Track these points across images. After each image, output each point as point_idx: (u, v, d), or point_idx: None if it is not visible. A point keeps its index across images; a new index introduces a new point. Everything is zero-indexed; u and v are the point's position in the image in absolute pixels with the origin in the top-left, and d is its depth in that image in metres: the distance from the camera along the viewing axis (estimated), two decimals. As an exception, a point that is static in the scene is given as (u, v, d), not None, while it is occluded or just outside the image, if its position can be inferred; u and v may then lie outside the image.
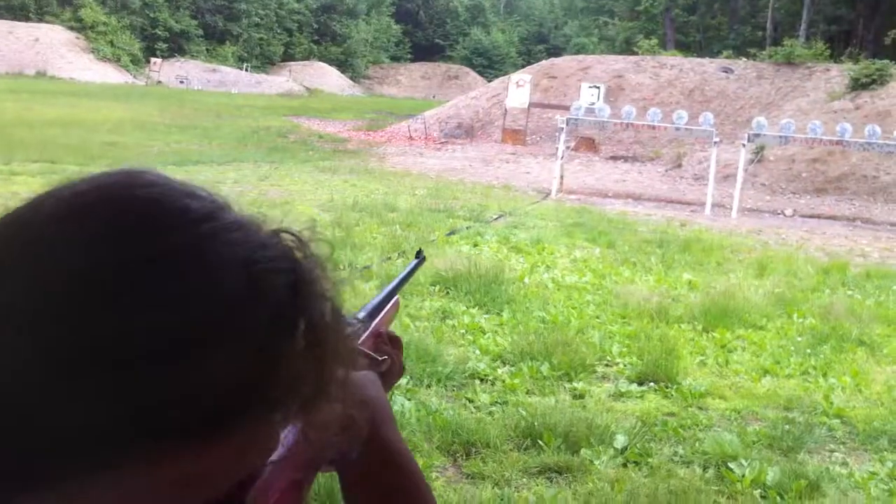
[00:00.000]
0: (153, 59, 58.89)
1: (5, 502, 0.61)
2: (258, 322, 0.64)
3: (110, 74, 55.19)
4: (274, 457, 0.75)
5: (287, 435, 0.79)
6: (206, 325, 0.61)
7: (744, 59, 29.31)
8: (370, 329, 1.04)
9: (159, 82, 56.11)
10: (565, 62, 30.59)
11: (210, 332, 0.61)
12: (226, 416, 0.63)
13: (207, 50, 68.47)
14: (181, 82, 57.12)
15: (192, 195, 0.67)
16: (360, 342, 1.00)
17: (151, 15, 64.64)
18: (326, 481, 3.25)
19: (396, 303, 1.15)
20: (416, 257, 1.30)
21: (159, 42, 64.33)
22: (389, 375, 1.03)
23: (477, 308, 7.02)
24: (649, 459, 4.45)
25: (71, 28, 57.95)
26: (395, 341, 1.07)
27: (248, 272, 0.64)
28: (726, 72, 26.47)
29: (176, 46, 65.77)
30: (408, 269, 1.26)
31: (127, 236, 0.62)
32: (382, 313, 1.09)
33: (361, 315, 1.04)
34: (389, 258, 8.58)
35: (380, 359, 1.01)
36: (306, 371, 0.68)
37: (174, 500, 0.65)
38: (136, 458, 0.61)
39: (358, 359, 0.93)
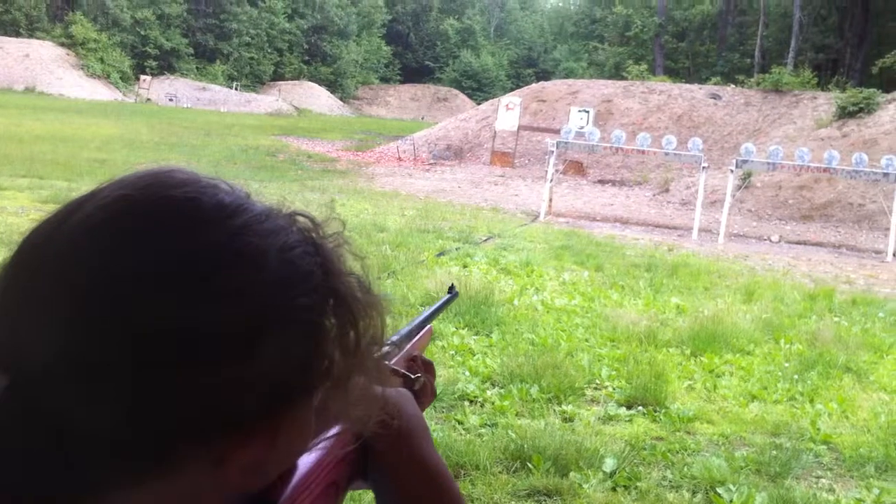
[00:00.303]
0: (143, 77, 58.97)
1: None
2: (302, 304, 0.66)
3: (100, 91, 55.17)
4: (311, 448, 0.78)
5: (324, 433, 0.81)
6: (258, 314, 0.63)
7: (732, 85, 29.52)
8: (403, 352, 1.08)
9: (148, 100, 56.14)
10: (555, 86, 30.74)
11: (263, 320, 0.64)
12: (278, 402, 0.65)
13: (197, 68, 68.55)
14: (170, 100, 57.12)
15: (221, 189, 0.69)
16: (393, 363, 1.04)
17: (142, 32, 64.76)
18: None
19: (430, 331, 1.19)
20: (449, 292, 1.34)
21: (149, 59, 64.41)
22: (423, 396, 1.05)
23: (467, 329, 7.03)
24: (638, 483, 4.45)
25: (61, 44, 57.94)
26: (427, 365, 1.10)
27: (286, 258, 0.67)
28: (714, 98, 26.66)
29: (166, 64, 65.86)
30: (441, 302, 1.29)
31: (171, 236, 0.63)
32: (416, 339, 1.13)
33: (395, 339, 1.07)
34: (379, 278, 8.57)
35: (413, 377, 1.04)
36: (342, 345, 0.70)
37: (230, 496, 0.66)
38: (205, 455, 0.63)
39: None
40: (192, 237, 0.64)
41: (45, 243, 0.64)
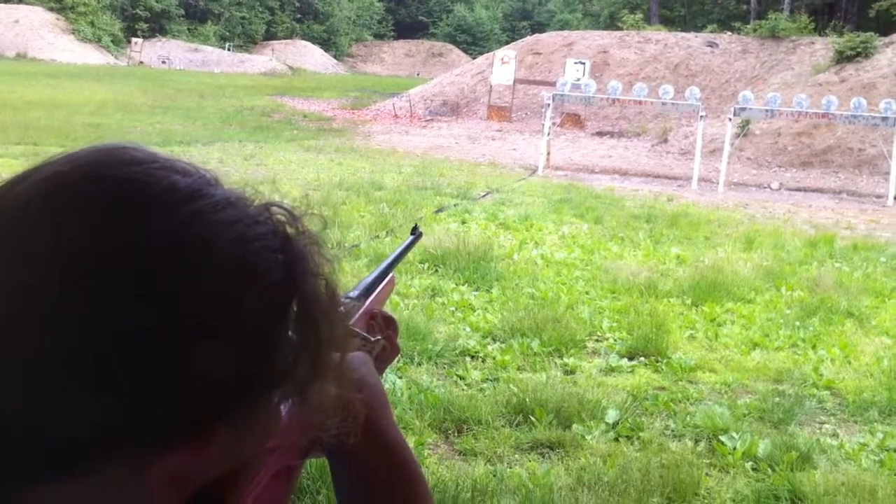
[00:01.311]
0: (134, 40, 58.34)
1: (15, 500, 0.57)
2: (251, 305, 0.60)
3: (91, 55, 54.68)
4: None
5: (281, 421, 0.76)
6: (198, 312, 0.58)
7: (728, 33, 29.25)
8: (363, 308, 0.99)
9: (141, 63, 55.63)
10: (550, 38, 30.46)
11: (203, 318, 0.58)
12: (224, 403, 0.60)
13: (189, 29, 67.91)
14: (163, 62, 56.64)
15: (178, 171, 0.62)
16: (352, 322, 0.94)
17: (132, -6, 64.08)
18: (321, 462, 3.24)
19: (392, 280, 1.10)
20: (412, 233, 1.23)
21: (140, 22, 63.75)
22: (383, 357, 0.98)
23: (466, 285, 7.01)
24: (641, 434, 4.45)
25: (51, 9, 57.30)
26: (389, 321, 1.02)
27: (240, 252, 0.60)
28: (711, 46, 26.44)
29: (157, 26, 65.20)
30: (403, 245, 1.20)
31: (105, 222, 0.57)
32: (376, 292, 1.04)
33: (355, 294, 0.99)
34: (377, 236, 8.55)
35: (373, 339, 0.95)
36: (301, 351, 0.64)
37: (172, 494, 0.61)
38: (131, 457, 0.58)
39: (352, 339, 0.89)
40: (128, 223, 0.57)
41: None
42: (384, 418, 0.87)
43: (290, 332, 0.64)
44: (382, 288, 1.06)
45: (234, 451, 0.64)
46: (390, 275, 1.09)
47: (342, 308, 0.71)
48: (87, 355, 0.55)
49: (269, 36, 75.14)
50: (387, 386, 4.54)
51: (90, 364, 0.55)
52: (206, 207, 0.60)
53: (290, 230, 0.65)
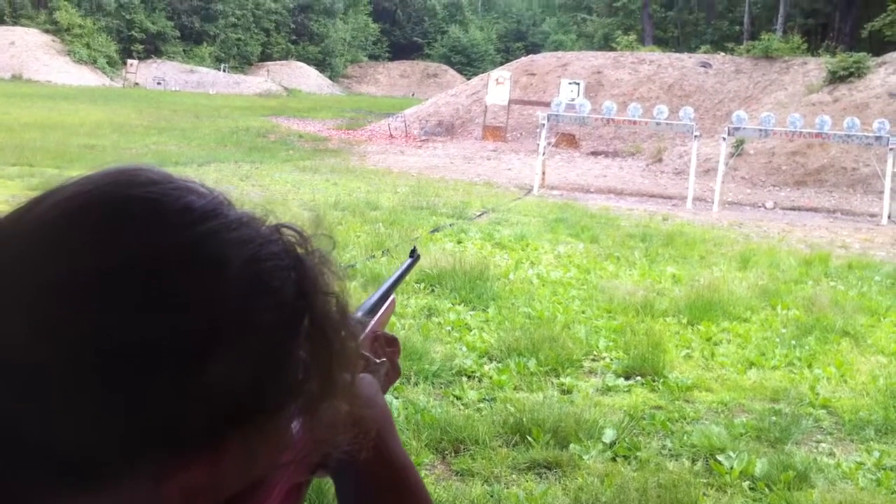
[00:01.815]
0: (130, 61, 58.49)
1: None
2: (264, 321, 0.62)
3: (87, 77, 54.82)
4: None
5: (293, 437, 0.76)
6: (211, 327, 0.59)
7: (722, 53, 29.43)
8: (367, 330, 1.00)
9: (136, 84, 55.76)
10: (544, 59, 30.61)
11: (216, 334, 0.59)
12: (237, 418, 0.61)
13: (184, 51, 68.11)
14: (158, 83, 56.78)
15: (193, 192, 0.64)
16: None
17: (127, 16, 64.26)
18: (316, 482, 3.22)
19: (392, 302, 1.12)
20: (410, 256, 1.26)
21: (136, 44, 63.94)
22: (387, 378, 0.99)
23: (463, 305, 7.01)
24: (638, 453, 4.44)
25: (46, 31, 57.50)
26: (391, 342, 1.04)
27: (253, 270, 0.62)
28: (705, 66, 26.57)
29: (152, 48, 65.41)
30: (402, 268, 1.22)
31: (123, 239, 0.59)
32: (379, 313, 1.05)
33: (358, 315, 1.00)
34: (373, 256, 8.55)
35: (377, 361, 0.97)
36: (312, 369, 0.66)
37: None
38: (143, 472, 0.58)
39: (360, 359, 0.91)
40: (147, 241, 0.59)
41: (1, 239, 0.61)
42: (391, 439, 0.88)
43: (301, 350, 0.65)
44: (385, 310, 1.07)
45: (247, 466, 0.65)
46: (391, 297, 1.11)
47: (352, 326, 0.71)
48: (100, 370, 0.56)
49: (265, 57, 75.38)
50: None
51: (103, 379, 0.56)
52: (220, 227, 0.62)
53: (300, 250, 0.67)
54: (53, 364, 0.56)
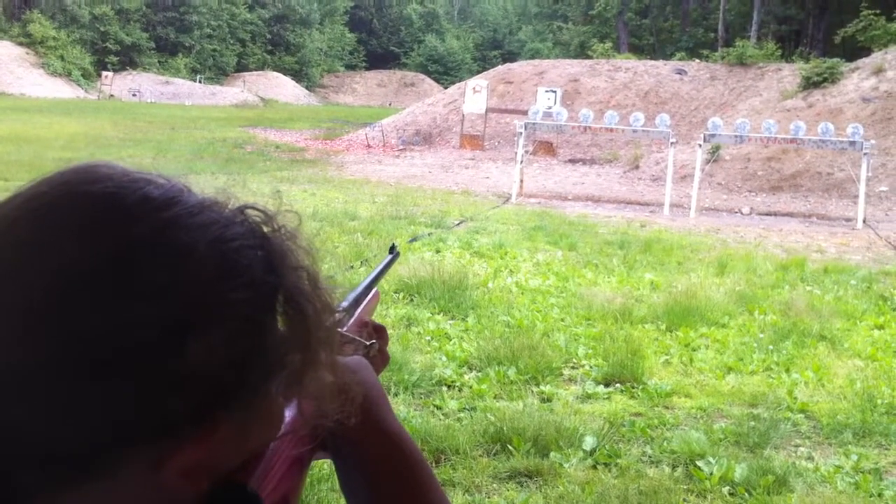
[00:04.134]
0: (105, 73, 58.12)
1: None
2: (237, 300, 0.63)
3: (62, 89, 54.47)
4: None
5: (286, 413, 0.78)
6: (186, 311, 0.61)
7: (697, 60, 29.60)
8: (354, 317, 1.04)
9: (111, 96, 55.44)
10: (521, 67, 30.68)
11: (191, 317, 0.61)
12: (223, 395, 0.63)
13: (160, 62, 67.83)
14: (134, 95, 56.51)
15: (151, 182, 0.66)
16: (345, 329, 1.00)
17: (101, 28, 63.92)
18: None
19: (377, 295, 1.16)
20: (390, 252, 1.30)
21: (110, 55, 63.61)
22: (376, 363, 1.02)
23: (442, 314, 7.01)
24: (618, 460, 4.45)
25: (20, 44, 57.09)
26: (379, 330, 1.06)
27: (219, 251, 0.64)
28: (680, 73, 26.73)
29: (127, 59, 65.08)
30: (382, 264, 1.25)
31: (87, 235, 0.60)
32: (364, 303, 1.09)
33: (344, 305, 1.03)
34: (352, 267, 8.53)
35: (368, 343, 1.00)
36: (291, 342, 0.68)
37: (182, 491, 0.64)
38: (138, 460, 0.60)
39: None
40: (110, 234, 0.61)
41: None
42: (385, 413, 0.89)
43: (279, 324, 0.68)
44: (369, 301, 1.12)
45: (242, 441, 0.68)
46: (375, 289, 1.15)
47: (325, 297, 0.73)
48: (82, 365, 0.57)
49: (241, 68, 75.21)
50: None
51: (87, 374, 0.58)
52: (182, 213, 0.64)
53: (266, 229, 0.69)
54: (33, 364, 0.57)
